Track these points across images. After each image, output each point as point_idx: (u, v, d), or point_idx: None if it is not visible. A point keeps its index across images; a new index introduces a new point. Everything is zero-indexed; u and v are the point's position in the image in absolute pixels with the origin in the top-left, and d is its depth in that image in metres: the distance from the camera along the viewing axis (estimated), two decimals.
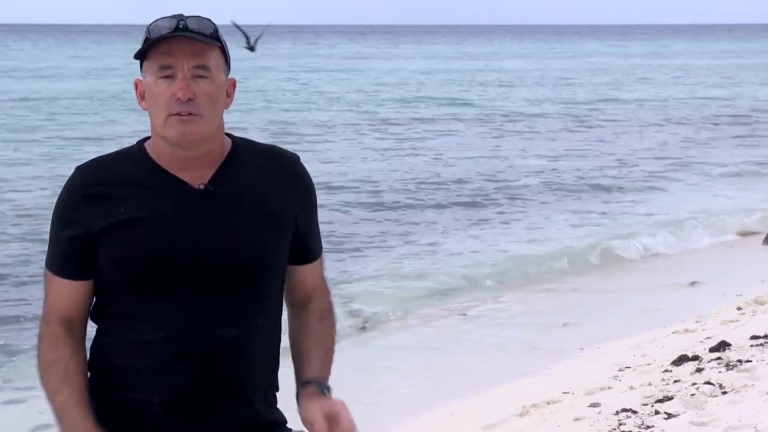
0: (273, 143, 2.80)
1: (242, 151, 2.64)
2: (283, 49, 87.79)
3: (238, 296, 2.55)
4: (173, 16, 2.53)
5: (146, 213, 2.52)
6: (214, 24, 2.57)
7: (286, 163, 2.69)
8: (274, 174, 2.64)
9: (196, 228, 2.53)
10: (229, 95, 2.62)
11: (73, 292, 2.58)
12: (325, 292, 2.79)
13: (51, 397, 2.58)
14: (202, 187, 2.55)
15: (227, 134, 2.65)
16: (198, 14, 2.56)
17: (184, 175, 2.56)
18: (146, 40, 2.53)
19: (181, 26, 2.51)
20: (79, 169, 2.62)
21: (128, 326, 2.54)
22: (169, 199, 2.54)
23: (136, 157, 2.60)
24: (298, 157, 2.73)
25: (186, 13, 2.54)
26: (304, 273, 2.73)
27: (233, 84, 2.64)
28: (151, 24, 2.55)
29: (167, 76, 2.51)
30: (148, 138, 2.64)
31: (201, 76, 2.52)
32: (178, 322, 2.51)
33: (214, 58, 2.55)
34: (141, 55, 2.55)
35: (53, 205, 2.63)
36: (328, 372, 2.71)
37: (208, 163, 2.58)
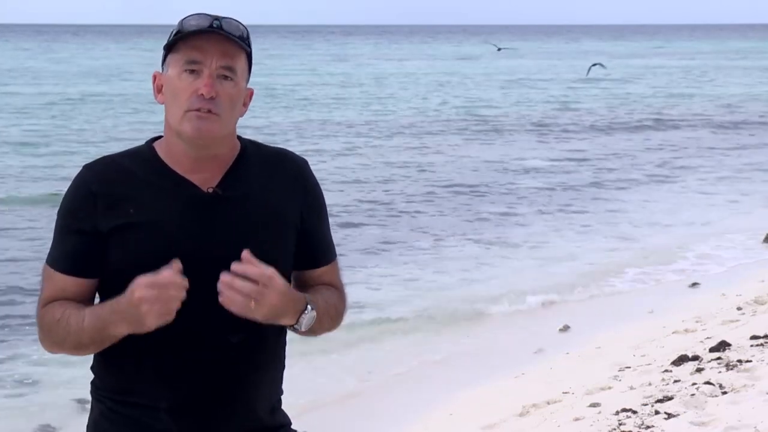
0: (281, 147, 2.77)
1: (251, 153, 2.63)
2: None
3: None
4: (208, 15, 2.53)
5: (155, 216, 2.51)
6: (247, 30, 2.57)
7: (294, 166, 2.67)
8: (281, 177, 2.63)
9: (205, 232, 2.52)
10: (245, 104, 2.61)
11: (75, 288, 2.54)
12: (341, 293, 2.72)
13: (78, 330, 2.46)
14: (210, 190, 2.54)
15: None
16: (230, 17, 2.55)
17: (193, 177, 2.55)
18: (178, 32, 2.52)
19: (215, 25, 2.50)
20: (87, 167, 2.59)
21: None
22: (178, 202, 2.53)
23: (145, 157, 2.59)
24: (306, 161, 2.71)
25: (213, 14, 2.53)
26: (316, 278, 2.68)
27: (251, 95, 2.63)
28: (184, 18, 2.54)
29: (193, 71, 2.50)
30: (157, 138, 2.64)
31: (226, 77, 2.51)
32: (187, 326, 2.48)
33: (241, 62, 2.55)
34: (169, 47, 2.54)
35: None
36: (318, 302, 2.57)
37: (218, 165, 2.57)
